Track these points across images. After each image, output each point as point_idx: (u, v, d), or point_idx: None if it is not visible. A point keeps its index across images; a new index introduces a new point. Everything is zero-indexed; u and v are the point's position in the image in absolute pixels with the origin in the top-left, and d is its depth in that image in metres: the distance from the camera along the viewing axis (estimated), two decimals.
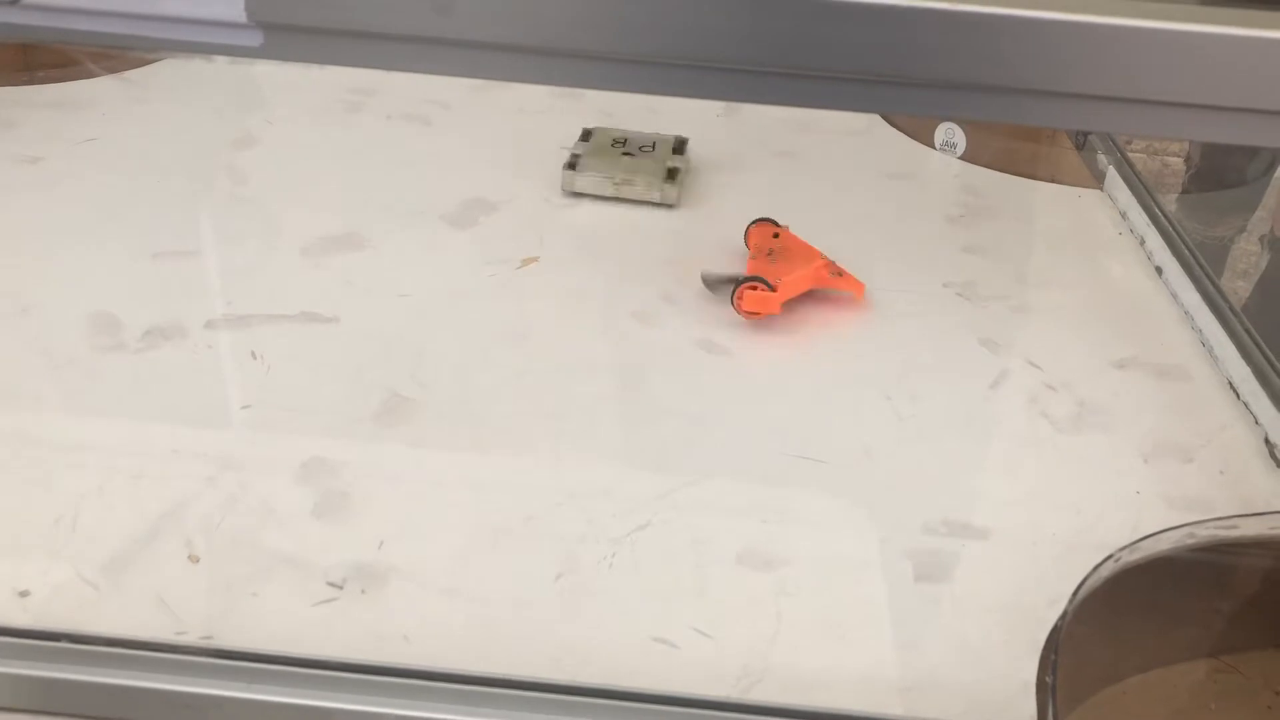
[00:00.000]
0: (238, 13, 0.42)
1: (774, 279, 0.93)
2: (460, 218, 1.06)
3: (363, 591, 0.66)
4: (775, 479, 0.78)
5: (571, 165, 1.11)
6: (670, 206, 1.10)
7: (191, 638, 0.63)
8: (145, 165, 1.11)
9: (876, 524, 0.75)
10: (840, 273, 0.97)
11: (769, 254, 0.97)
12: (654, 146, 1.15)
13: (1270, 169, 1.69)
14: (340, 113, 1.24)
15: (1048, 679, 0.64)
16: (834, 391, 0.87)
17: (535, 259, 1.00)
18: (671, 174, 1.11)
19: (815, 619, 0.67)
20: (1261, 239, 1.65)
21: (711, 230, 1.06)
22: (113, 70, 1.26)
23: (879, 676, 0.64)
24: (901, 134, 1.28)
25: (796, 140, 1.22)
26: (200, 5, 0.42)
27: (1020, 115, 0.43)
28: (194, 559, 0.68)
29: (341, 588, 0.66)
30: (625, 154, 1.13)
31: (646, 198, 1.10)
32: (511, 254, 1.01)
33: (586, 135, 1.17)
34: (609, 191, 1.10)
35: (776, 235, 1.00)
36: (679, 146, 1.16)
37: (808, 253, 0.97)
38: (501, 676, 0.60)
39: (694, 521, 0.73)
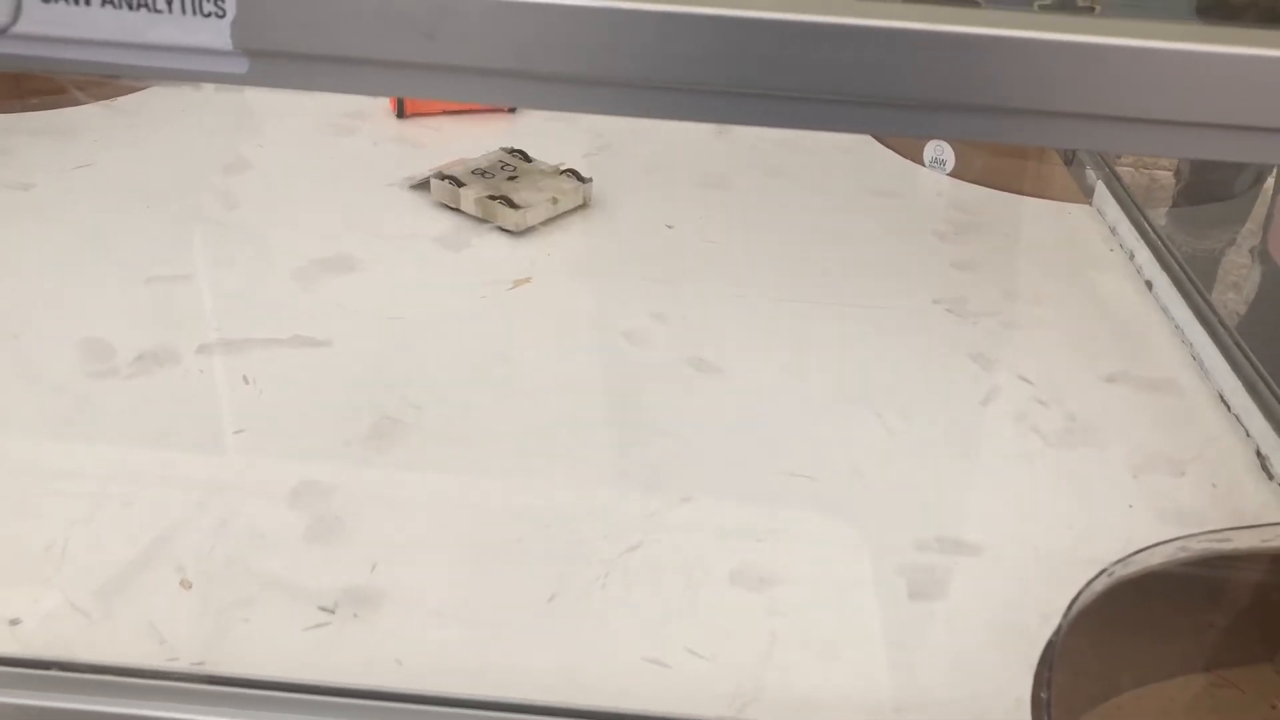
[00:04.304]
0: (224, 40, 0.42)
1: None
2: (453, 240, 1.06)
3: (355, 615, 0.66)
4: (766, 497, 0.78)
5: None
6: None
7: (183, 664, 0.62)
8: (137, 190, 1.11)
9: (869, 541, 0.75)
10: None
11: None
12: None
13: (1259, 181, 1.70)
14: (332, 136, 1.24)
15: (1043, 695, 0.64)
16: (824, 408, 0.87)
17: (528, 280, 1.01)
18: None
19: (809, 638, 0.67)
20: (1251, 251, 1.66)
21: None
22: (99, 98, 1.26)
23: (873, 696, 0.64)
24: (890, 150, 1.29)
25: (785, 158, 1.23)
26: (187, 33, 0.42)
27: (1009, 134, 0.43)
28: (186, 585, 0.68)
29: (333, 612, 0.66)
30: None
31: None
32: (504, 275, 1.01)
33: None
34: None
35: None
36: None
37: None
38: (494, 699, 0.60)
39: (685, 541, 0.73)
